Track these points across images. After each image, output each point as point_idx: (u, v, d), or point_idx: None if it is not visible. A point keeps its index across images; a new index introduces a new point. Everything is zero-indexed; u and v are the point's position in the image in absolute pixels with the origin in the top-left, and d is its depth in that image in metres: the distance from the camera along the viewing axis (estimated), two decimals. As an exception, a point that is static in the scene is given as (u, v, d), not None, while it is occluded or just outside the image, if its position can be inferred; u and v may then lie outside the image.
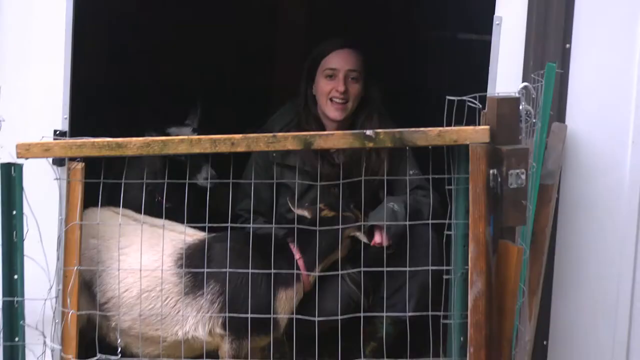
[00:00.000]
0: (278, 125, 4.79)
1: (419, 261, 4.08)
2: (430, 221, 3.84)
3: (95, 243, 4.18)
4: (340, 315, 3.86)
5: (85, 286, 4.17)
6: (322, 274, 4.29)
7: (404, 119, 4.28)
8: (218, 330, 4.19)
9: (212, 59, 7.52)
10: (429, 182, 4.20)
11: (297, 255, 4.29)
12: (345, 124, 4.79)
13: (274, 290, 4.17)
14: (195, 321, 4.15)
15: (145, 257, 4.04)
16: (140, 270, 3.97)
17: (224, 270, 4.00)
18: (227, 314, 4.10)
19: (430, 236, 4.24)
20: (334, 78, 4.75)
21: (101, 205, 3.92)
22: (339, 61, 4.76)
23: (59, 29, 4.15)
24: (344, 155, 4.62)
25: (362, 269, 3.91)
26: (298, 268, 4.26)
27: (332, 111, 4.75)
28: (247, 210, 4.59)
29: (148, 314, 4.10)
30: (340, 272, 4.07)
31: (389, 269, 3.95)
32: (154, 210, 4.39)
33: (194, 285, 4.16)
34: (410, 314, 4.01)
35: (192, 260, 4.17)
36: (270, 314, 4.11)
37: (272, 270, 3.97)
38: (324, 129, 4.76)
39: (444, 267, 3.63)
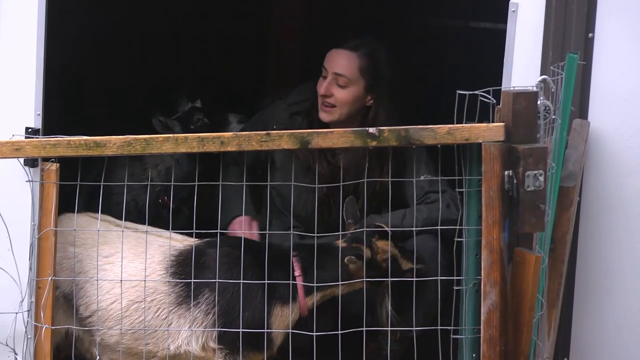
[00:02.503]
0: (297, 98, 4.82)
1: (425, 276, 4.04)
2: (439, 227, 3.80)
3: (75, 252, 4.06)
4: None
5: (64, 298, 4.07)
6: (320, 284, 4.10)
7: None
8: (212, 344, 4.06)
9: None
10: (438, 184, 4.24)
11: (297, 272, 4.14)
12: None
13: (269, 304, 4.06)
14: (188, 334, 4.04)
15: (133, 265, 3.98)
16: (121, 281, 3.92)
17: (213, 281, 3.93)
18: (217, 329, 3.97)
19: (439, 248, 4.12)
20: (325, 78, 4.69)
21: (90, 211, 3.90)
22: (329, 61, 4.69)
23: (30, 14, 4.01)
24: (345, 156, 4.58)
25: (365, 279, 3.88)
26: (295, 286, 4.12)
27: (320, 111, 4.71)
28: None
29: (137, 327, 4.01)
30: (340, 282, 3.98)
31: (393, 279, 3.94)
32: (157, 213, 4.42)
33: (187, 295, 4.02)
34: (417, 328, 3.92)
35: (184, 267, 4.05)
36: (264, 329, 4.03)
37: (266, 281, 3.91)
38: (328, 126, 4.66)
39: (454, 277, 3.60)
